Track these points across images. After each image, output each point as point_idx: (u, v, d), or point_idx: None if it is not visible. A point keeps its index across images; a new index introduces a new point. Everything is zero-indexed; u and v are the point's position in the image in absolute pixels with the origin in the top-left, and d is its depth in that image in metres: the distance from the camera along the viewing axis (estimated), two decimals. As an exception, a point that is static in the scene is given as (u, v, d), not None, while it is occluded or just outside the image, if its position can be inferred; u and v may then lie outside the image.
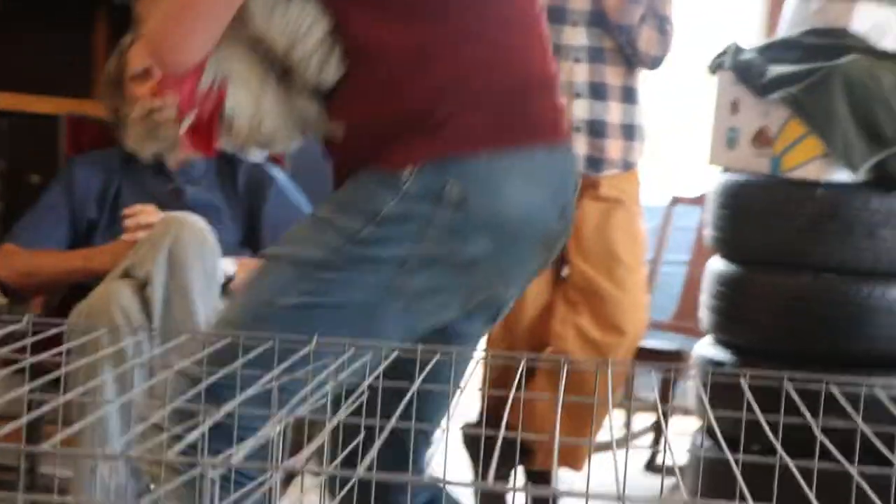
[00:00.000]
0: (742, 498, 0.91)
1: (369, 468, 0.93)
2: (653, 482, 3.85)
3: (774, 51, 3.19)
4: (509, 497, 3.37)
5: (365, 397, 1.32)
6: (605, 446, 3.70)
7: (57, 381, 1.40)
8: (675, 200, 4.30)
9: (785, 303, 3.03)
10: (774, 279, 3.06)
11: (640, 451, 3.93)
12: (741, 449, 1.16)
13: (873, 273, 2.97)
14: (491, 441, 3.10)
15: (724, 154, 3.22)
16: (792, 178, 3.03)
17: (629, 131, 3.40)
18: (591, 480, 1.15)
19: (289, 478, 2.48)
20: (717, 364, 3.10)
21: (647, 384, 4.21)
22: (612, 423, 1.12)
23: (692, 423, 3.37)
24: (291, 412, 1.14)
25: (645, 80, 3.45)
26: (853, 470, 0.93)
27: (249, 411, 1.33)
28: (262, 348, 1.43)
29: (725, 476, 1.33)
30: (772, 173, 3.07)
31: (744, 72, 3.16)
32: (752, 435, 1.33)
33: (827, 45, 3.10)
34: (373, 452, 0.97)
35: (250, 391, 1.24)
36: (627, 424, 4.09)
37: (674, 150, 5.31)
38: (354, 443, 1.43)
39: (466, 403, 2.32)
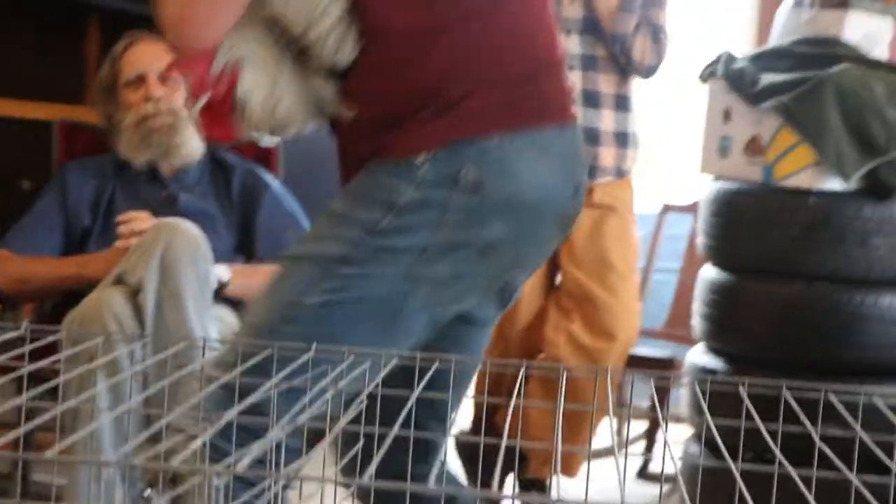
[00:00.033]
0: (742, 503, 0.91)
1: (377, 474, 0.93)
2: (645, 490, 3.86)
3: (766, 59, 3.20)
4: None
5: (379, 395, 1.32)
6: (598, 453, 3.71)
7: (50, 387, 1.39)
8: (667, 208, 4.31)
9: (777, 311, 3.04)
10: (767, 287, 3.06)
11: (632, 459, 3.93)
12: (740, 457, 1.16)
13: (865, 281, 2.98)
14: (485, 448, 3.10)
15: (717, 162, 3.23)
16: (784, 187, 3.04)
17: (622, 139, 3.40)
18: (591, 488, 1.15)
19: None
20: (710, 372, 3.11)
21: (639, 392, 4.21)
22: (612, 430, 1.12)
23: (684, 431, 3.38)
24: (293, 420, 1.14)
25: (637, 88, 3.46)
26: (854, 479, 0.93)
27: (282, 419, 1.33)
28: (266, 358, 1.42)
29: (718, 484, 1.34)
30: (764, 182, 3.08)
31: (736, 80, 3.17)
32: (745, 443, 1.34)
33: (819, 54, 3.11)
34: (376, 460, 0.97)
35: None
36: (620, 432, 4.09)
37: (665, 158, 5.32)
38: (355, 448, 1.43)
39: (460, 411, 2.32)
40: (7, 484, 3.25)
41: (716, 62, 3.25)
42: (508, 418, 1.14)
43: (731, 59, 3.22)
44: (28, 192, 3.51)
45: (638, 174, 3.57)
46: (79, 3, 3.69)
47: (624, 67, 3.36)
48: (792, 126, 3.02)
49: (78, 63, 3.80)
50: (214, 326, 2.68)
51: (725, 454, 1.02)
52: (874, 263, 2.97)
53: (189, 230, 2.68)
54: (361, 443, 1.39)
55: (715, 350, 3.19)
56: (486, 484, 3.20)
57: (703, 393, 1.33)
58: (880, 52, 3.16)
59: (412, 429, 1.26)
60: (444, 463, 1.86)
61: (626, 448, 4.05)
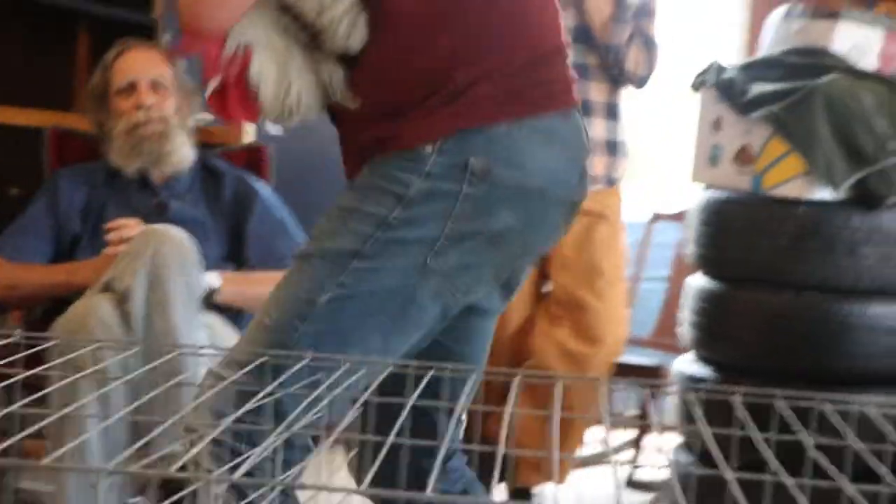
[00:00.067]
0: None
1: (376, 479, 0.93)
2: (633, 498, 3.86)
3: (756, 69, 3.21)
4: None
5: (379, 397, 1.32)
6: (586, 462, 3.71)
7: (31, 395, 1.39)
8: (656, 217, 4.32)
9: (766, 320, 3.05)
10: (756, 296, 3.07)
11: (620, 467, 3.93)
12: (732, 466, 1.16)
13: (854, 291, 2.99)
14: (473, 456, 3.10)
15: (707, 171, 3.24)
16: (774, 196, 3.05)
17: (612, 148, 3.41)
18: (572, 496, 1.15)
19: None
20: (699, 380, 3.12)
21: (626, 400, 4.22)
22: (606, 439, 1.12)
23: (672, 439, 3.38)
24: (289, 427, 1.14)
25: (628, 97, 3.47)
26: (851, 489, 0.94)
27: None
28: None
29: (706, 492, 1.34)
30: (753, 191, 3.08)
31: (726, 90, 3.18)
32: (730, 451, 1.34)
33: (808, 64, 3.13)
34: (376, 464, 0.97)
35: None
36: (606, 440, 4.09)
37: (653, 167, 5.33)
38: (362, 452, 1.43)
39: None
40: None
41: (706, 71, 3.26)
42: (504, 427, 1.14)
43: (721, 68, 3.24)
44: (17, 198, 3.51)
45: (627, 182, 3.58)
46: (69, 9, 3.69)
47: (616, 77, 3.37)
48: (782, 136, 3.03)
49: (68, 70, 3.80)
50: (203, 333, 2.68)
51: (721, 462, 1.02)
52: (863, 273, 2.98)
53: (177, 236, 2.67)
54: (362, 443, 1.39)
55: (703, 359, 3.20)
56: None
57: (697, 401, 1.33)
58: (869, 63, 3.17)
59: (410, 435, 1.25)
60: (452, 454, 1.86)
61: (622, 455, 4.05)
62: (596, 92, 3.38)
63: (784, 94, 3.05)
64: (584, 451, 3.82)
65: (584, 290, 3.39)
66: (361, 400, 1.18)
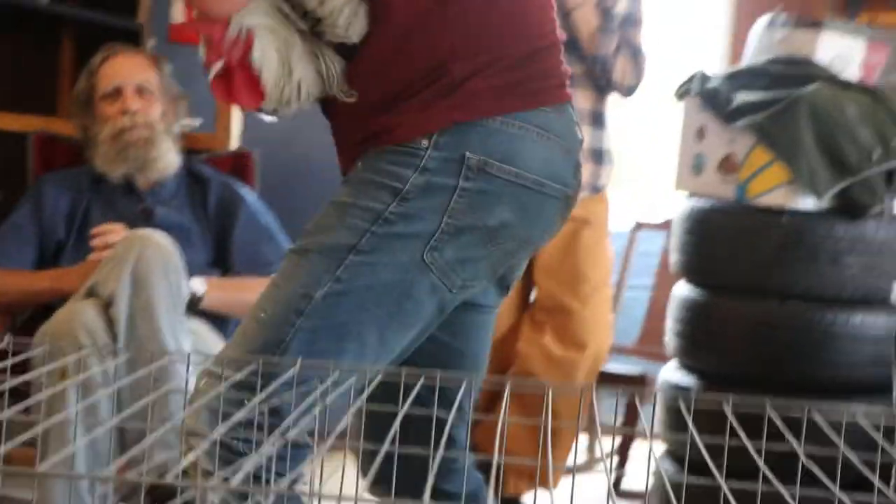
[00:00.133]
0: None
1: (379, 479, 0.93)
2: (616, 506, 3.86)
3: (740, 78, 3.22)
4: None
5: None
6: (572, 470, 3.71)
7: (16, 400, 1.38)
8: (639, 225, 4.33)
9: (750, 328, 3.06)
10: (740, 305, 3.08)
11: (604, 475, 3.93)
12: (724, 474, 1.17)
13: (837, 300, 3.00)
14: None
15: (690, 180, 3.25)
16: (757, 205, 3.06)
17: (598, 155, 3.42)
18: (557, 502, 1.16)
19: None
20: (684, 389, 3.12)
21: (610, 408, 4.22)
22: (601, 448, 1.12)
23: (656, 448, 3.39)
24: (283, 434, 1.14)
25: (613, 104, 3.48)
26: (844, 497, 0.94)
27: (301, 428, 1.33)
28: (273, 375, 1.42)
29: (692, 500, 1.34)
30: (737, 200, 3.09)
31: (710, 99, 3.19)
32: (716, 460, 1.34)
33: (792, 73, 3.14)
34: (375, 466, 0.97)
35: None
36: (592, 448, 4.10)
37: (637, 175, 5.34)
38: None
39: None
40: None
41: (690, 80, 3.27)
42: (498, 436, 1.14)
43: (705, 77, 3.25)
44: (1, 204, 3.49)
45: (611, 190, 3.59)
46: (53, 14, 3.68)
47: (603, 87, 3.38)
48: (765, 145, 3.04)
49: (52, 75, 3.79)
50: (188, 339, 2.67)
51: (714, 471, 1.03)
52: (846, 282, 3.00)
53: (161, 241, 2.67)
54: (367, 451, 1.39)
55: (687, 367, 3.20)
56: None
57: (687, 409, 1.33)
58: (852, 73, 3.19)
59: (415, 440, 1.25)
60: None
61: (608, 464, 4.05)
62: (581, 100, 3.39)
63: (768, 103, 3.07)
64: (570, 459, 3.82)
65: (569, 296, 3.39)
66: (357, 405, 1.18)
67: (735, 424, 1.24)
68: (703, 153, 3.21)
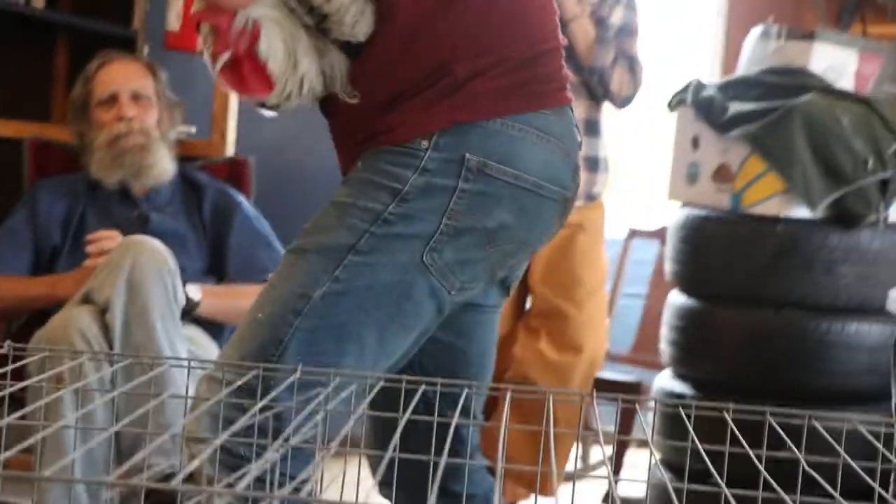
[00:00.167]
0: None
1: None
2: (609, 514, 3.86)
3: (735, 88, 3.24)
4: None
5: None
6: (569, 477, 3.71)
7: (11, 405, 1.38)
8: (633, 233, 4.33)
9: (745, 337, 3.07)
10: (734, 314, 3.09)
11: (598, 483, 3.94)
12: (725, 480, 1.17)
13: (832, 309, 3.01)
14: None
15: (685, 189, 3.26)
16: (752, 214, 3.07)
17: (593, 164, 3.43)
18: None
19: None
20: (678, 397, 3.13)
21: (605, 415, 4.23)
22: (605, 455, 1.13)
23: (648, 456, 3.38)
24: (286, 440, 1.14)
25: (608, 113, 3.49)
26: None
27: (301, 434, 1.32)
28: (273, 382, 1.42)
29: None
30: (732, 209, 3.10)
31: (705, 108, 3.20)
32: (704, 467, 1.35)
33: (786, 83, 3.15)
34: (381, 467, 0.97)
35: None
36: (586, 456, 4.10)
37: (630, 184, 5.35)
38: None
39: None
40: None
41: (685, 90, 3.28)
42: (501, 442, 1.14)
43: (700, 87, 3.26)
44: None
45: (606, 198, 3.59)
46: (48, 21, 3.68)
47: (599, 97, 3.39)
48: (760, 154, 3.05)
49: (47, 81, 3.79)
50: (184, 345, 2.67)
51: (717, 478, 1.03)
52: (840, 291, 3.01)
53: (156, 247, 2.66)
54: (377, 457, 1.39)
55: (682, 375, 3.21)
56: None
57: (688, 417, 1.34)
58: (845, 83, 3.20)
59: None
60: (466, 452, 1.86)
61: (610, 468, 4.04)
62: (576, 108, 3.38)
63: (763, 113, 3.08)
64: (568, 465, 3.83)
65: (564, 300, 3.40)
66: (360, 411, 1.18)
67: (737, 433, 1.24)
68: (697, 162, 3.22)
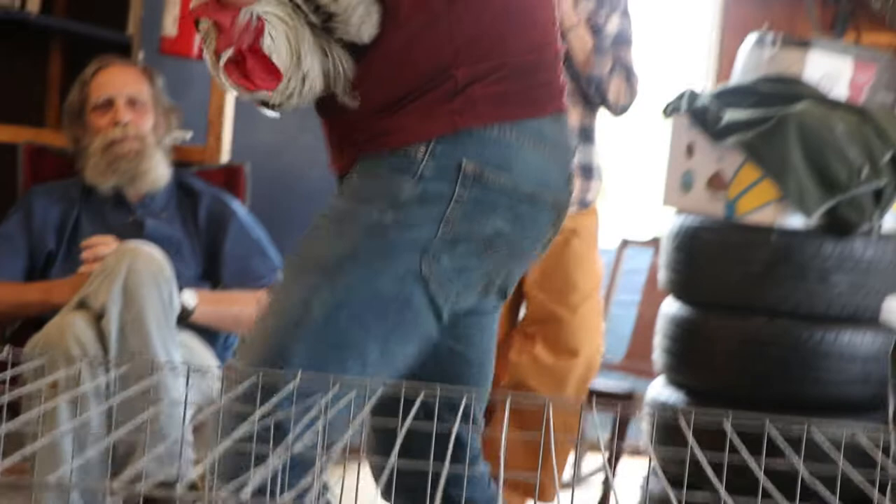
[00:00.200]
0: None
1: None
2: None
3: (729, 96, 3.24)
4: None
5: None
6: (566, 485, 3.71)
7: (7, 410, 1.37)
8: (625, 243, 4.34)
9: (738, 346, 3.07)
10: (728, 322, 3.09)
11: (593, 491, 3.93)
12: (723, 489, 1.17)
13: (826, 318, 3.01)
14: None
15: (679, 197, 3.26)
16: (746, 223, 3.07)
17: (587, 171, 3.43)
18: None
19: None
20: (672, 406, 3.13)
21: (599, 423, 4.22)
22: (605, 464, 1.13)
23: (644, 464, 3.39)
24: (287, 448, 1.14)
25: (601, 121, 3.49)
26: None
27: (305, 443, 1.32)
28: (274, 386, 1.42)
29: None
30: (726, 217, 3.11)
31: (699, 116, 3.20)
32: (699, 475, 1.35)
33: (781, 91, 3.16)
34: (387, 470, 0.97)
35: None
36: (580, 464, 4.10)
37: (623, 192, 5.36)
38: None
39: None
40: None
41: (679, 98, 3.29)
42: (503, 450, 1.15)
43: (694, 95, 3.26)
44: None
45: (600, 206, 3.60)
46: (42, 26, 3.68)
47: (594, 104, 3.39)
48: (754, 162, 3.05)
49: (41, 86, 3.78)
50: (179, 351, 2.67)
51: (718, 486, 1.03)
52: (834, 300, 3.01)
53: (152, 253, 2.66)
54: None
55: (675, 384, 3.21)
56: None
57: (687, 426, 1.34)
58: (840, 91, 3.21)
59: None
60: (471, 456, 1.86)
61: (610, 474, 4.05)
62: (571, 115, 3.39)
63: (757, 121, 3.08)
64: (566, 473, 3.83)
65: (559, 305, 3.40)
66: (360, 419, 1.18)
67: (736, 442, 1.24)
68: (691, 170, 3.22)
